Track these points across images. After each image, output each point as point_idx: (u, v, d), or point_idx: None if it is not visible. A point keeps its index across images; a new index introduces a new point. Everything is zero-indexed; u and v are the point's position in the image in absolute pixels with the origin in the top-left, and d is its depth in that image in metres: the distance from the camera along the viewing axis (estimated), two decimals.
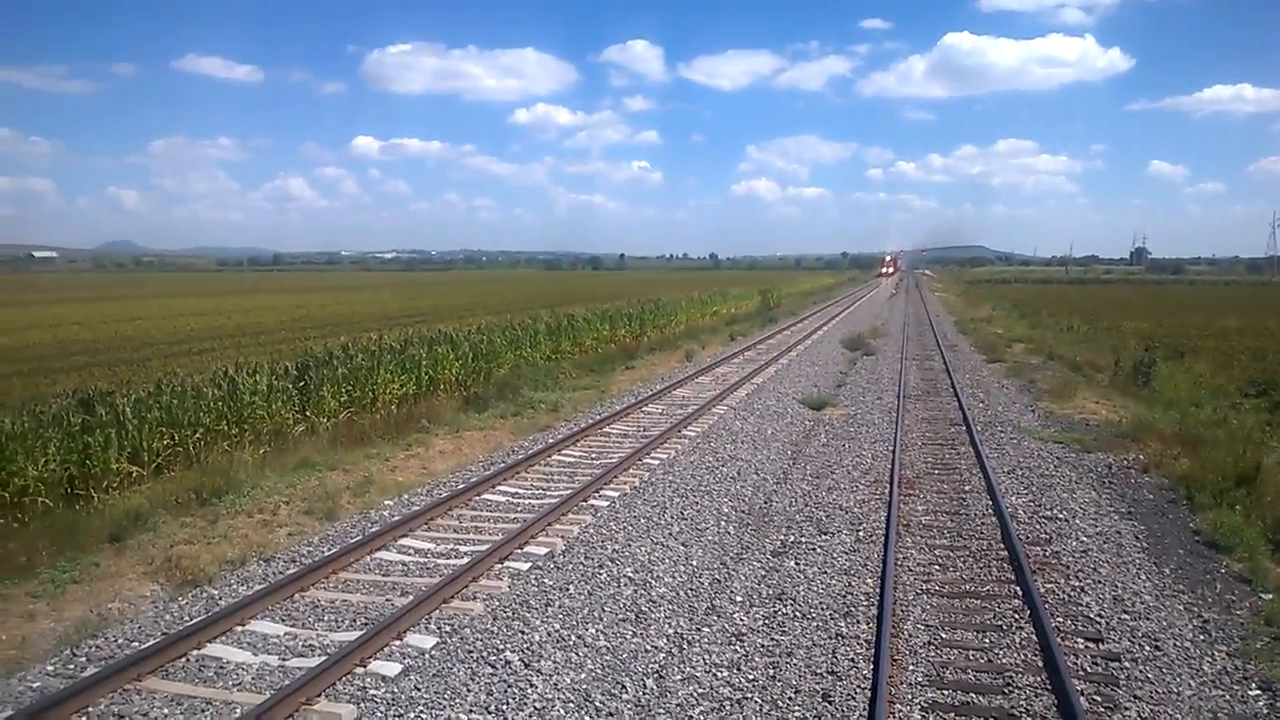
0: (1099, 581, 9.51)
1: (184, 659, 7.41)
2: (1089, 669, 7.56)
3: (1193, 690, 7.21)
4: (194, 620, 8.16)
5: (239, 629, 8.02)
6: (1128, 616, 8.61)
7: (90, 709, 6.56)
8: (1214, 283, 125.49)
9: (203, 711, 6.61)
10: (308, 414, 16.81)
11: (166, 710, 6.61)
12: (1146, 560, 10.28)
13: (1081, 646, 7.98)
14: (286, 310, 53.22)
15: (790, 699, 7.02)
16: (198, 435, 14.31)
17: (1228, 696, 7.14)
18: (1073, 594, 9.17)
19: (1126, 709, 6.87)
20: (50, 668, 7.36)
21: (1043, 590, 9.18)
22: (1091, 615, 8.63)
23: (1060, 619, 8.53)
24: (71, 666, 7.38)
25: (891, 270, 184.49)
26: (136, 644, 7.74)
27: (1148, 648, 7.94)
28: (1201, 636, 8.25)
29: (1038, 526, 11.45)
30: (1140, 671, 7.49)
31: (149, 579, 9.49)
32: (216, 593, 9.03)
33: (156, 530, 10.93)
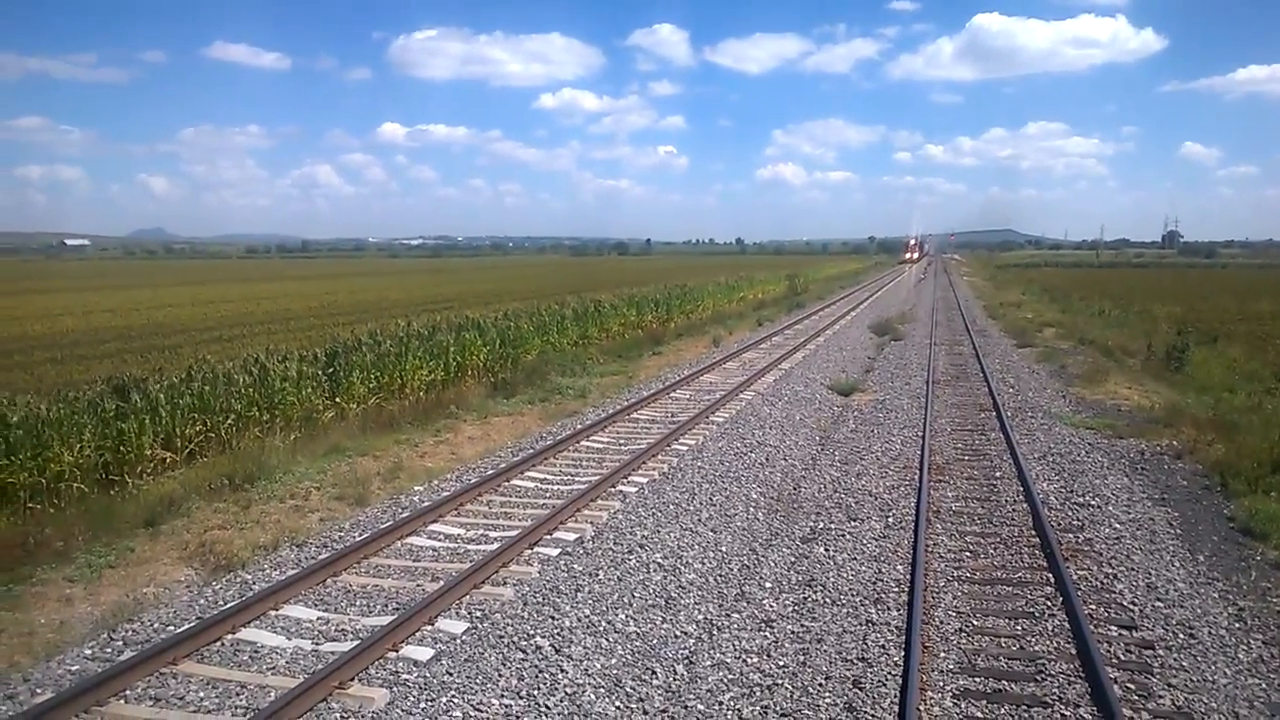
0: (1132, 569, 9.43)
1: (219, 643, 7.49)
2: (1123, 657, 7.51)
3: (1228, 679, 7.15)
4: (228, 605, 8.24)
5: (272, 613, 8.09)
6: (1161, 604, 8.54)
7: (128, 692, 6.64)
8: (1247, 266, 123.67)
9: (237, 695, 6.68)
10: (337, 400, 16.92)
11: (202, 693, 6.68)
12: (1180, 547, 10.19)
13: (1115, 634, 7.93)
14: (315, 297, 53.53)
15: (821, 685, 7.02)
16: (229, 421, 14.43)
17: (1264, 685, 7.07)
18: (1106, 581, 9.10)
19: (1161, 697, 6.82)
20: (88, 651, 7.46)
21: (1075, 577, 9.12)
22: (1125, 603, 8.56)
23: (1093, 606, 8.47)
24: (109, 650, 7.47)
25: (916, 255, 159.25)
26: (172, 628, 7.83)
27: (1182, 635, 7.87)
28: (1237, 624, 8.17)
29: (1070, 513, 11.37)
30: (1175, 659, 7.43)
31: (183, 564, 9.60)
32: (250, 577, 9.11)
33: (190, 515, 11.04)
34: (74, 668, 7.15)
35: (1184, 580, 9.15)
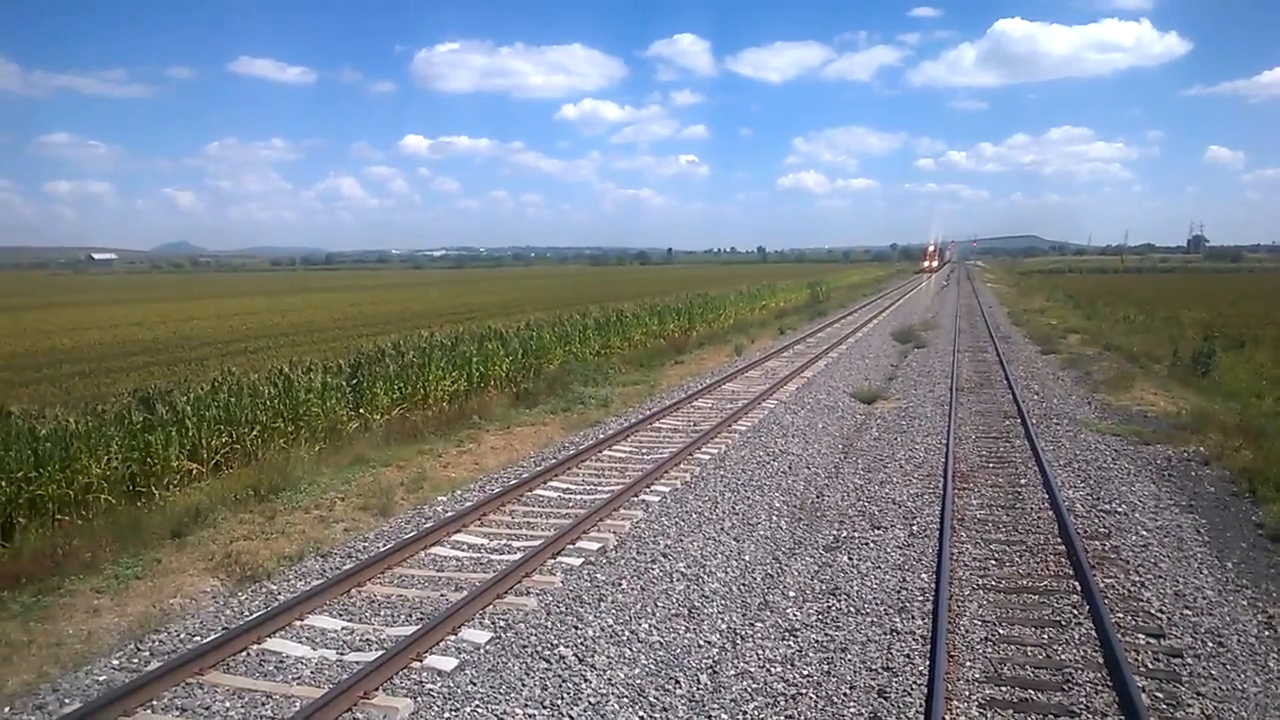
0: (1159, 576, 9.35)
1: (244, 653, 7.53)
2: (1150, 665, 7.45)
3: (1258, 687, 7.08)
4: (253, 615, 8.28)
5: (298, 623, 8.13)
6: (1190, 612, 8.46)
7: (154, 702, 6.68)
8: (1274, 270, 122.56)
9: (263, 705, 6.71)
10: (361, 411, 16.99)
11: (228, 703, 6.72)
12: (1208, 554, 10.09)
13: (1143, 643, 7.87)
14: (339, 308, 53.80)
15: (845, 695, 6.99)
16: (255, 433, 14.53)
17: None
18: (1133, 589, 9.03)
19: (1189, 706, 6.77)
20: (115, 661, 7.52)
21: (1102, 585, 9.05)
22: (1152, 610, 8.49)
23: (1120, 614, 8.41)
24: (136, 660, 7.52)
25: (935, 264, 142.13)
26: (198, 638, 7.88)
27: (1211, 644, 7.80)
28: (1267, 632, 8.09)
29: (1096, 520, 11.29)
30: (1204, 668, 7.36)
31: (209, 574, 9.66)
32: (275, 588, 9.16)
33: (216, 526, 11.11)
34: (101, 678, 7.21)
35: (1212, 588, 9.07)
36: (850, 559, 10.03)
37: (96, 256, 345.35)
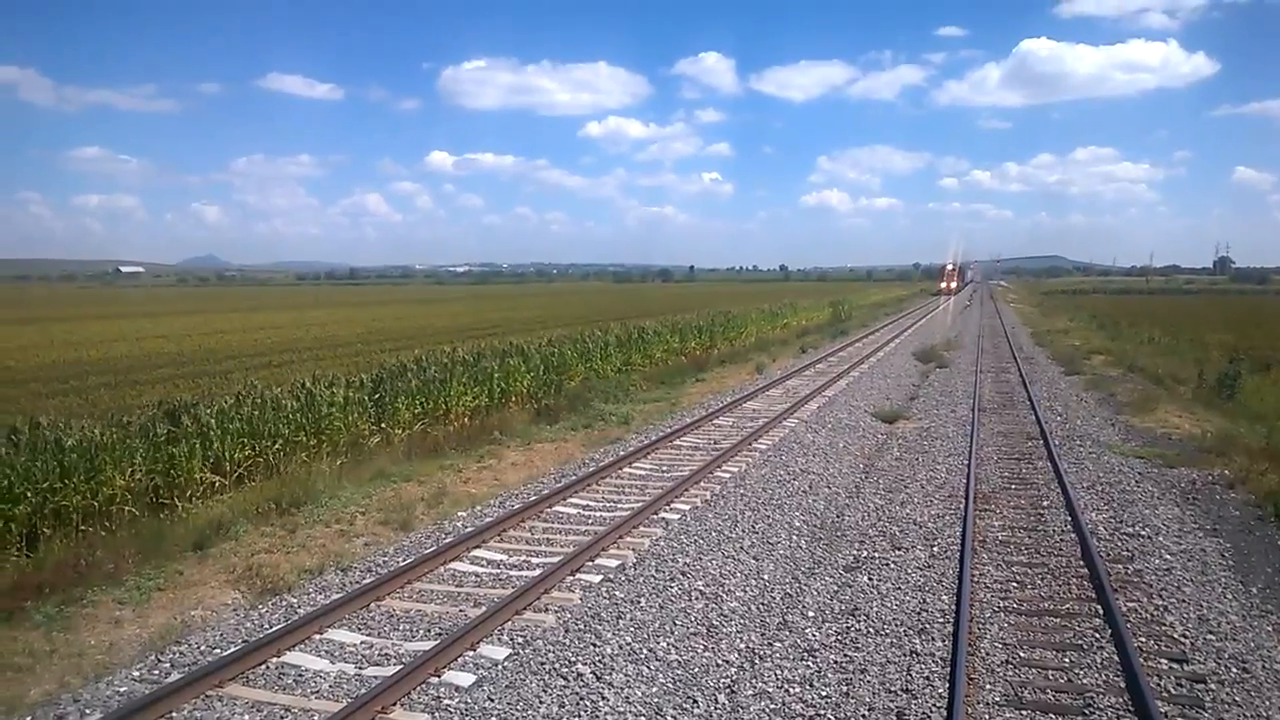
0: (1183, 600, 9.26)
1: (264, 666, 7.56)
2: (1173, 690, 7.37)
3: None
4: (274, 628, 8.32)
5: (317, 637, 8.16)
6: (1213, 637, 8.37)
7: (174, 714, 6.72)
8: None
9: (282, 718, 6.74)
10: (383, 425, 17.07)
11: (247, 716, 6.75)
12: (1233, 579, 9.99)
13: (1165, 667, 7.78)
14: (362, 323, 54.06)
15: (864, 717, 6.95)
16: (277, 446, 14.60)
17: None
18: (1156, 613, 8.94)
19: None
20: (136, 673, 7.56)
21: (1124, 609, 8.96)
22: (1175, 635, 8.41)
23: (1143, 639, 8.33)
24: (156, 672, 7.57)
25: (955, 285, 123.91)
26: (218, 651, 7.92)
27: (1235, 669, 7.72)
28: None
29: (1119, 543, 11.20)
30: (1227, 694, 7.28)
31: (230, 587, 9.72)
32: (295, 601, 9.20)
33: (238, 539, 11.18)
34: (122, 689, 7.25)
35: (1237, 613, 8.97)
36: (870, 579, 9.98)
37: (124, 269, 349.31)
